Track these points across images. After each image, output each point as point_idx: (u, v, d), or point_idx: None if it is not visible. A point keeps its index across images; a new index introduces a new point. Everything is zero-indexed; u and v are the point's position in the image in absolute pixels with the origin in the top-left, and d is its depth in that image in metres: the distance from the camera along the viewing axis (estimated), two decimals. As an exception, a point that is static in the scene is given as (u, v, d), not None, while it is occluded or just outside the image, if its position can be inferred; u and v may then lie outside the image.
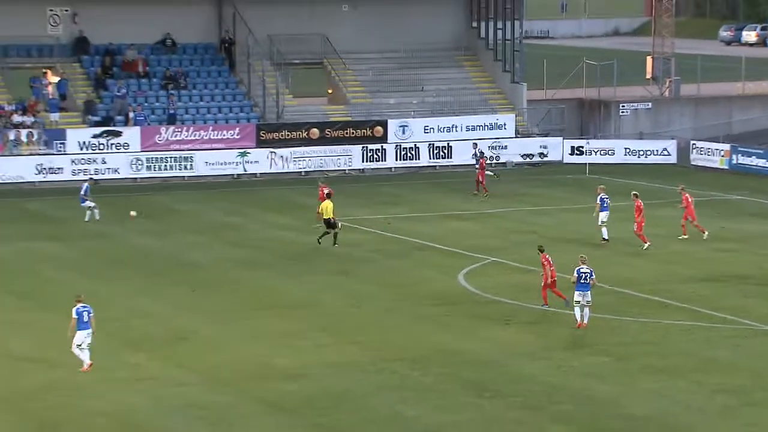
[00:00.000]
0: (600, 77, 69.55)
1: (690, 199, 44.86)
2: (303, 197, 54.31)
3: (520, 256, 42.05)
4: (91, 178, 53.46)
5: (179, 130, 60.94)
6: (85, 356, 29.60)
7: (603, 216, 43.90)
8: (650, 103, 68.88)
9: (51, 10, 63.64)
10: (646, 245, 42.92)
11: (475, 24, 69.71)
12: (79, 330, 29.52)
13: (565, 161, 64.01)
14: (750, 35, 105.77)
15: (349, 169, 61.83)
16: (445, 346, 31.96)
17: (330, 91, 67.68)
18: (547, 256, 35.08)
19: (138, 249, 44.24)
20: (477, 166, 55.64)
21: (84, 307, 29.68)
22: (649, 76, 71.58)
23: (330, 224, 43.55)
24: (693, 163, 63.20)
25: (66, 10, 63.88)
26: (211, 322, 34.42)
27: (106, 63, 63.62)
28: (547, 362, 30.58)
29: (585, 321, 33.04)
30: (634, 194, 43.85)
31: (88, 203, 48.84)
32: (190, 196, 54.98)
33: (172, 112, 61.90)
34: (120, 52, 64.28)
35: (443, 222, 49.59)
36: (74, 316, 29.58)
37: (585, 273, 32.97)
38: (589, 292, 32.97)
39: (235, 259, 42.74)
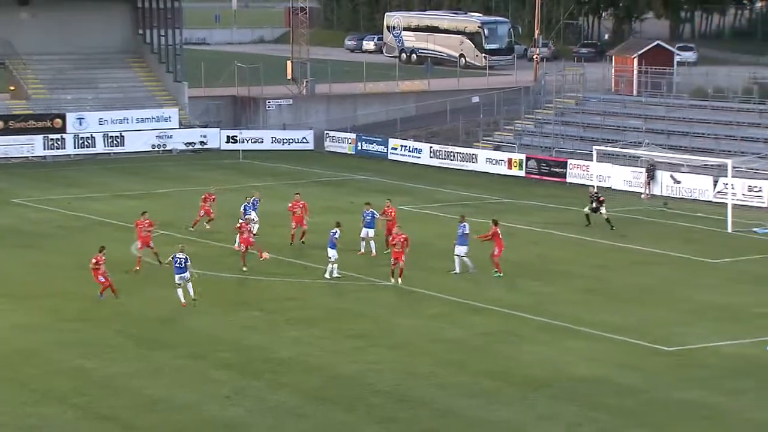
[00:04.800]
0: (249, 78, 69.93)
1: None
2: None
3: (188, 229, 41.84)
4: None
5: None
6: None
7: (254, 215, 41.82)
8: (291, 100, 69.84)
9: None
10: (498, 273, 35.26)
11: (141, 31, 68.89)
12: None
13: (222, 148, 64.06)
14: (369, 44, 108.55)
15: (31, 156, 59.90)
16: (119, 308, 31.58)
17: (12, 88, 65.31)
18: None
19: None
20: None
21: None
22: (289, 77, 72.44)
23: None
24: (327, 149, 64.66)
25: None
26: None
27: None
28: (210, 318, 30.78)
29: (185, 299, 31.21)
30: (494, 220, 35.97)
31: None
32: None
33: None
34: None
35: (118, 200, 48.72)
36: None
37: (181, 258, 31.53)
38: (186, 273, 31.39)
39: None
